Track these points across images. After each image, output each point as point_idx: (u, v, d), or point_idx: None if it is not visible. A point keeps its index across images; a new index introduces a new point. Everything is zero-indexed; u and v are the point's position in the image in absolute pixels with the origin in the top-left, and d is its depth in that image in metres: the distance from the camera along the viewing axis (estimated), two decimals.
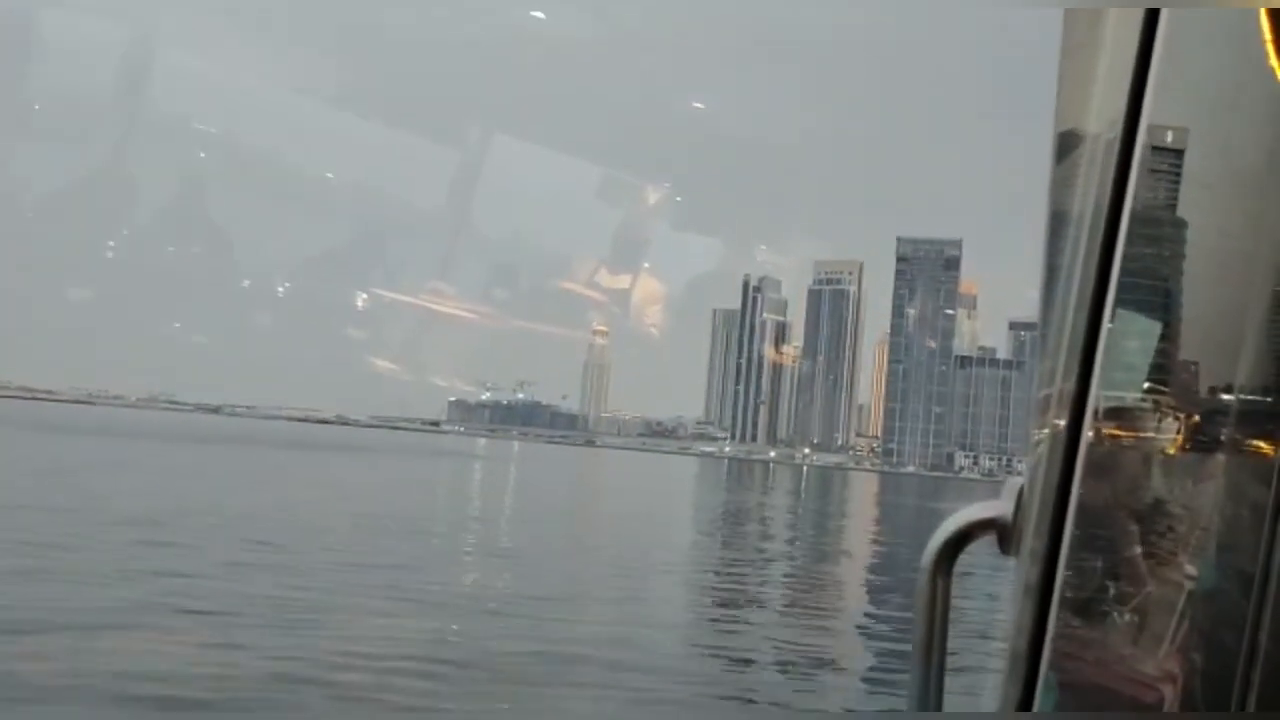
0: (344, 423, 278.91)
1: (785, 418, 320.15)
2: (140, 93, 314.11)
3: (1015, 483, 1.36)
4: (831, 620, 23.33)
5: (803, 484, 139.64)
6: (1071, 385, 1.23)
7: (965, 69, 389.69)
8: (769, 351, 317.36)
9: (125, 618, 16.33)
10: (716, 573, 30.79)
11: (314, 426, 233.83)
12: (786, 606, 25.02)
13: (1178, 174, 1.21)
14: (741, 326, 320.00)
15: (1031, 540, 1.29)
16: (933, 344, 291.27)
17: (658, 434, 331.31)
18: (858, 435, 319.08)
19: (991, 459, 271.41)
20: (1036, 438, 1.31)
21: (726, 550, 38.38)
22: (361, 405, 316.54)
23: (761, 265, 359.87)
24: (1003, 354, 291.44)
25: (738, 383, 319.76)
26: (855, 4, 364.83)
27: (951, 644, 1.45)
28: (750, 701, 15.42)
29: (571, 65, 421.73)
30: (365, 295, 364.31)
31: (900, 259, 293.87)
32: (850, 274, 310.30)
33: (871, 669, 17.66)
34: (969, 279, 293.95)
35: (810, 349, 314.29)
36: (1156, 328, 1.23)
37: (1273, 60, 1.11)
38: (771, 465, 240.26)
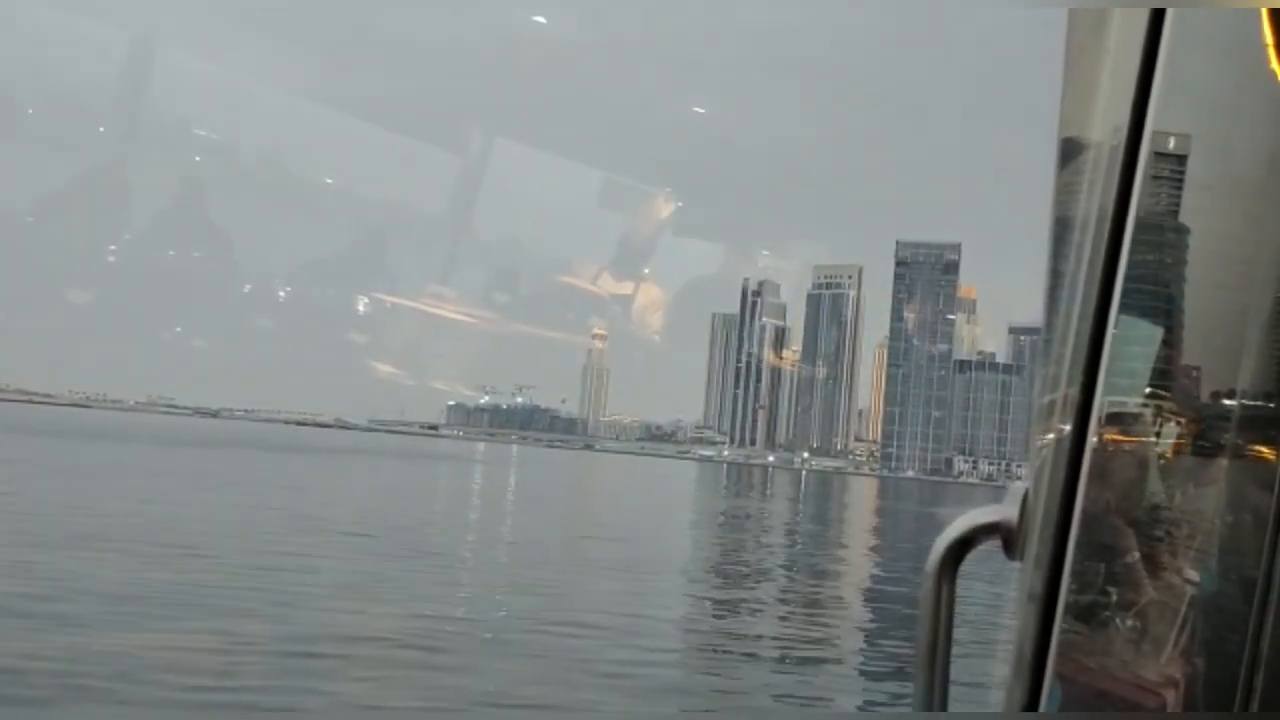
0: (343, 426, 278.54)
1: (784, 422, 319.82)
2: (141, 95, 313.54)
3: (1019, 487, 1.37)
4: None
5: (801, 489, 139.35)
6: (1076, 391, 1.24)
7: (964, 73, 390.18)
8: (768, 355, 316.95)
9: None
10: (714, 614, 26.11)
11: (312, 430, 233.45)
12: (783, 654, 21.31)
13: (1180, 180, 1.21)
14: (741, 330, 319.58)
15: (1036, 545, 1.31)
16: (932, 348, 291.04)
17: (657, 438, 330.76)
18: (857, 439, 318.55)
19: (991, 464, 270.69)
20: (1040, 443, 1.32)
21: (725, 587, 32.02)
22: (361, 409, 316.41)
23: (761, 269, 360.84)
24: (1002, 358, 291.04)
25: (737, 387, 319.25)
26: (854, 8, 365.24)
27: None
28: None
29: (572, 70, 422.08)
30: (365, 299, 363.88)
31: (899, 263, 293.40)
32: (849, 278, 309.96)
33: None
34: (968, 283, 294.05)
35: (809, 353, 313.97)
36: (1160, 333, 1.23)
37: (1274, 64, 1.11)
38: (770, 469, 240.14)
